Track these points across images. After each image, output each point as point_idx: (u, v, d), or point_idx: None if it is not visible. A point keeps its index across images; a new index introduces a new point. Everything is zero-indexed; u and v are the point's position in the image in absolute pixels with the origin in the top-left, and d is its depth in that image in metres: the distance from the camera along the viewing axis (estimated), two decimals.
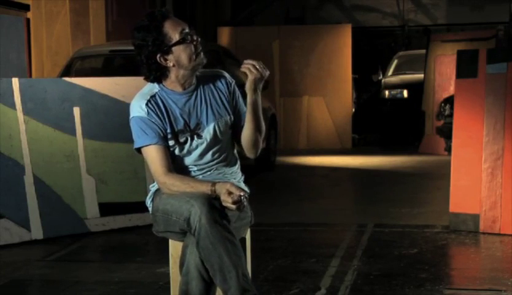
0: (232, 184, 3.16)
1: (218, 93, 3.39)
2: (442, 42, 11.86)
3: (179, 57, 3.26)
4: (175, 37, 3.24)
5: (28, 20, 8.54)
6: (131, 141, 3.34)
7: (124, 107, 6.27)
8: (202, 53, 3.29)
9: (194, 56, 3.27)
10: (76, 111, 6.03)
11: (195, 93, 3.35)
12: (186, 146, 3.31)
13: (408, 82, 13.66)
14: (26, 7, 9.20)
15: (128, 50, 8.45)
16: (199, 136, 3.31)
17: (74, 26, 10.19)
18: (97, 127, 6.08)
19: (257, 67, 3.24)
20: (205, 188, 3.17)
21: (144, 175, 6.18)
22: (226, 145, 3.39)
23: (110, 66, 8.50)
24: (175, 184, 3.22)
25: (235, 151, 3.48)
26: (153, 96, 3.30)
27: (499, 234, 5.69)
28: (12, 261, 5.24)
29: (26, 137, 5.78)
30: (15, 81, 5.80)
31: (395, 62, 15.09)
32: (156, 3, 13.80)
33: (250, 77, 3.25)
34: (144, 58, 3.26)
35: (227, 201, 3.11)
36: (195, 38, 3.27)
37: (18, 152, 5.74)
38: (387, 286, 4.43)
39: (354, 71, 13.69)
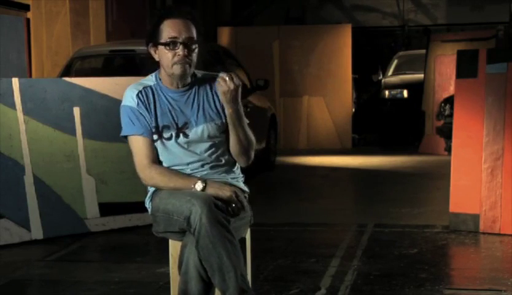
0: (220, 187, 3.21)
1: (213, 96, 3.39)
2: (442, 42, 11.86)
3: (161, 57, 3.33)
4: (164, 38, 3.28)
5: (28, 20, 8.53)
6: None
7: None
8: (184, 66, 3.28)
9: (170, 65, 3.29)
10: (76, 111, 6.03)
11: (189, 92, 3.37)
12: (171, 142, 3.32)
13: (408, 82, 13.66)
14: (26, 7, 9.20)
15: (128, 50, 8.47)
16: (185, 135, 3.32)
17: (74, 26, 10.19)
18: (97, 127, 6.08)
19: (226, 79, 3.24)
20: (189, 186, 3.21)
21: None
22: (220, 147, 3.38)
23: (110, 66, 8.50)
24: (155, 177, 3.27)
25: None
26: (145, 88, 3.35)
27: (499, 234, 5.69)
28: (12, 261, 5.24)
29: (26, 137, 5.78)
30: (15, 81, 5.80)
31: (395, 62, 15.09)
32: (156, 4, 13.79)
33: (219, 90, 3.29)
34: (146, 42, 3.35)
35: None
36: (179, 51, 3.26)
37: (18, 152, 5.74)
38: (387, 286, 4.43)
39: (354, 71, 13.69)
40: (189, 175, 3.29)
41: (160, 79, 3.37)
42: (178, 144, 3.32)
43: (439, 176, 8.65)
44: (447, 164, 6.26)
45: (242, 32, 13.53)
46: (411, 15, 19.44)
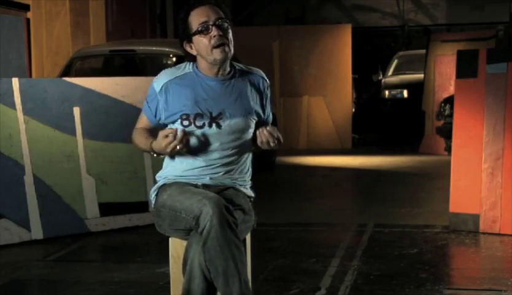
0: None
1: (252, 90, 3.36)
2: (442, 42, 11.87)
3: (198, 47, 3.28)
4: (195, 27, 3.25)
5: (28, 20, 8.54)
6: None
7: (124, 107, 6.31)
8: (224, 47, 3.24)
9: (209, 49, 3.24)
10: (76, 111, 6.02)
11: (228, 82, 3.32)
12: (202, 131, 3.27)
13: (408, 82, 13.67)
14: (26, 7, 9.21)
15: (128, 50, 8.47)
16: (218, 125, 3.27)
17: (74, 26, 10.20)
18: (97, 127, 6.08)
19: (271, 145, 3.25)
20: (148, 143, 3.29)
21: (144, 175, 6.18)
22: (243, 146, 3.35)
23: (110, 66, 8.50)
24: (133, 139, 3.42)
25: (250, 159, 3.44)
26: (183, 75, 3.33)
27: (499, 234, 5.69)
28: (12, 261, 5.24)
29: (26, 137, 5.77)
30: (15, 81, 5.80)
31: (395, 62, 15.10)
32: (156, 3, 13.80)
33: (262, 147, 3.29)
34: (179, 41, 3.36)
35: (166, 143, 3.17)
36: (214, 32, 3.23)
37: (18, 152, 5.74)
38: (387, 286, 4.43)
39: (354, 71, 13.69)
40: (148, 137, 3.34)
41: (197, 67, 3.33)
42: (208, 134, 3.27)
43: (439, 176, 8.65)
44: (447, 164, 6.26)
45: (242, 32, 13.50)
46: (411, 15, 19.45)
